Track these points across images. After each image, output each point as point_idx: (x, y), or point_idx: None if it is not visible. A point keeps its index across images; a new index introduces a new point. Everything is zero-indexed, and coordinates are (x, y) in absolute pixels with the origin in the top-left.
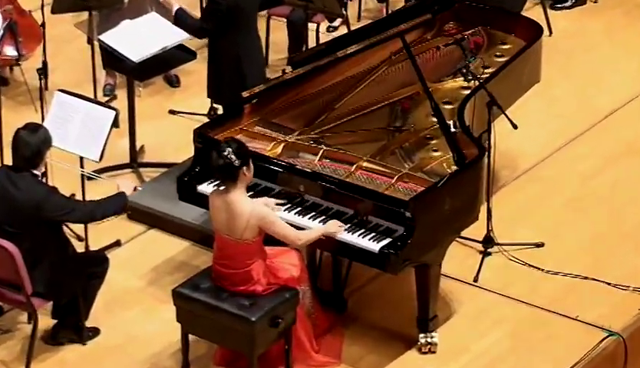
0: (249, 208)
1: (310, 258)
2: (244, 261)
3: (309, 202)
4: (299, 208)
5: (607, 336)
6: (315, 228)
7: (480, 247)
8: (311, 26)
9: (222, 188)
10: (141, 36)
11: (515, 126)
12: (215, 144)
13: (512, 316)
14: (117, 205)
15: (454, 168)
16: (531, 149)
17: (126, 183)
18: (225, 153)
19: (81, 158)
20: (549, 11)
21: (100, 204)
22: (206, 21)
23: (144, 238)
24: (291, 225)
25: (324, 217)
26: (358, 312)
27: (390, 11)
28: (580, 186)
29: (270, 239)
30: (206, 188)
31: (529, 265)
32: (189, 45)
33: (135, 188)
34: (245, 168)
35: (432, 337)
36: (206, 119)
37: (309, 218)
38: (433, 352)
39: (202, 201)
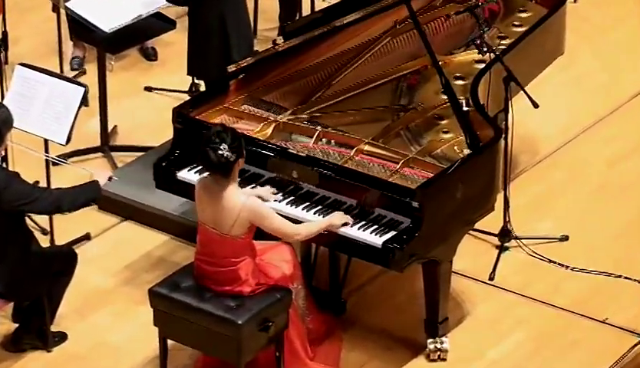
0: (241, 201)
1: (304, 254)
2: (231, 258)
3: (303, 191)
4: (292, 198)
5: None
6: (316, 220)
7: (496, 241)
8: None
9: (210, 176)
10: (113, 3)
11: (535, 105)
12: (198, 127)
13: (532, 318)
14: (87, 195)
15: (467, 152)
16: (553, 131)
17: (100, 172)
18: (221, 152)
19: (46, 141)
20: None
21: (67, 193)
22: None
23: (117, 231)
24: (283, 217)
25: (319, 207)
26: (359, 314)
27: None
28: (608, 172)
29: (259, 232)
30: (186, 174)
31: (552, 261)
32: (167, 13)
33: (110, 178)
34: (240, 160)
35: (442, 343)
36: (186, 97)
37: (303, 209)
38: (444, 359)
39: (182, 189)
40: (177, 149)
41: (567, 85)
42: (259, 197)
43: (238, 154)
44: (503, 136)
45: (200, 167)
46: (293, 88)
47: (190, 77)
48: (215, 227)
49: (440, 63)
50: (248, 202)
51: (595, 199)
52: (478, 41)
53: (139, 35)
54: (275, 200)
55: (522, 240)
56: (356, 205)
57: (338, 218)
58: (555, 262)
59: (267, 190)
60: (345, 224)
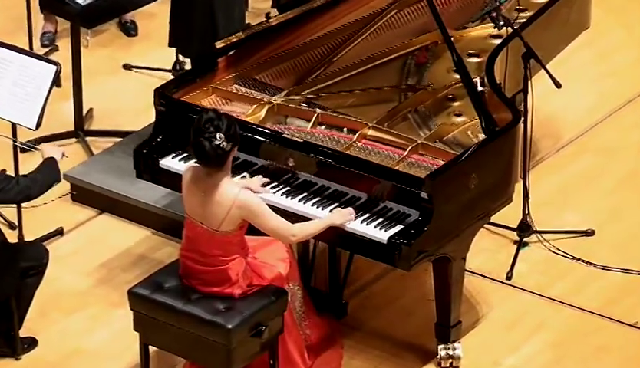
0: (233, 195)
1: (301, 251)
2: (220, 256)
3: (300, 180)
4: (287, 188)
5: None
6: (314, 219)
7: (514, 236)
8: None
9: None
10: None
11: (558, 85)
12: (183, 110)
13: (554, 322)
14: (51, 175)
15: (482, 137)
16: (578, 114)
17: (51, 148)
18: (218, 142)
19: (14, 125)
20: None
21: (35, 179)
22: None
23: (93, 226)
24: (277, 210)
25: (318, 199)
26: (362, 318)
27: None
28: (638, 159)
29: (252, 228)
30: (170, 162)
31: (576, 258)
32: None
33: (63, 154)
34: (235, 148)
35: (454, 349)
36: (170, 76)
37: (300, 201)
38: (456, 367)
39: (165, 178)
40: (160, 135)
41: (593, 62)
42: (248, 188)
43: (233, 142)
44: (522, 119)
45: (186, 154)
46: (289, 66)
47: (174, 54)
48: (203, 221)
49: (451, 38)
50: (240, 195)
51: (625, 189)
52: (494, 14)
53: (117, 7)
54: (268, 190)
55: (543, 235)
56: (359, 196)
57: (338, 215)
58: (579, 259)
59: (257, 181)
60: (351, 217)
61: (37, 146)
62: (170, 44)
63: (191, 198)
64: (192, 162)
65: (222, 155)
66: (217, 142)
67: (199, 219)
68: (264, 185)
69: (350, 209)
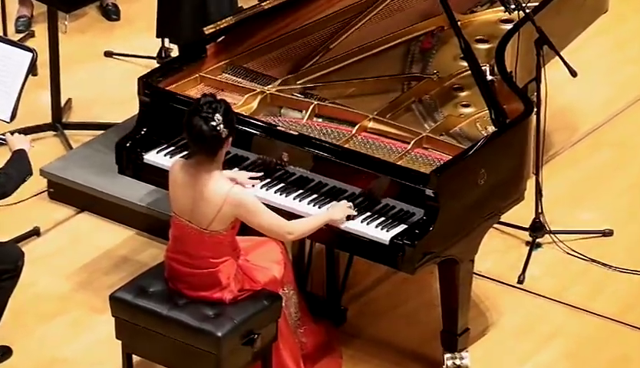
0: (225, 191)
1: (297, 252)
2: (210, 258)
3: (295, 176)
4: (281, 185)
5: None
6: (311, 215)
7: (526, 236)
8: None
9: (189, 159)
10: None
11: (574, 74)
12: (169, 100)
13: (570, 329)
14: (23, 168)
15: (491, 129)
16: (594, 105)
17: (18, 139)
18: (215, 123)
19: None
20: None
21: (9, 175)
22: None
23: (71, 225)
24: (270, 209)
25: (315, 196)
26: (362, 325)
27: None
28: None
29: (244, 227)
30: (155, 157)
31: (593, 261)
32: None
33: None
34: (229, 139)
35: (462, 358)
36: (155, 64)
37: (295, 199)
38: None
39: (150, 175)
40: (144, 127)
41: (611, 50)
42: (231, 180)
43: (230, 129)
44: (535, 110)
45: (172, 148)
46: (283, 53)
47: (160, 40)
48: (192, 220)
49: (459, 23)
50: (232, 191)
51: None
52: None
53: None
54: (260, 187)
55: (557, 235)
56: (359, 193)
57: (338, 210)
58: (596, 261)
59: (242, 175)
60: (349, 217)
61: (2, 137)
62: (158, 35)
63: (178, 194)
64: (179, 156)
65: (217, 138)
66: (214, 123)
67: (188, 218)
68: (252, 179)
69: (349, 203)
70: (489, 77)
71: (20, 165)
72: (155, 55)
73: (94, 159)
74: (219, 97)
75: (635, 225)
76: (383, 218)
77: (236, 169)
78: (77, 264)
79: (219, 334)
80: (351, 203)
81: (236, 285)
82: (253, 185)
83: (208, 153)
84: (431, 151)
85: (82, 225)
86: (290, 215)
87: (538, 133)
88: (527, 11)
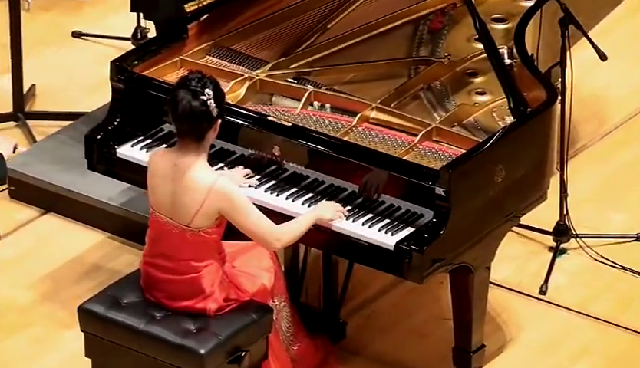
0: (210, 181)
1: (290, 258)
2: (191, 261)
3: (288, 173)
4: (273, 182)
5: None
6: (299, 216)
7: (549, 241)
8: None
9: (170, 147)
10: None
11: (603, 57)
12: (145, 87)
13: (598, 346)
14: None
15: (510, 119)
16: (625, 93)
17: (2, 139)
18: (205, 98)
19: None
20: None
21: None
22: None
23: (35, 229)
24: (260, 209)
25: (310, 196)
26: (363, 340)
27: None
28: None
29: (230, 230)
30: (129, 151)
31: (624, 268)
32: None
33: (15, 147)
34: (218, 122)
35: None
36: (129, 46)
37: (288, 198)
38: None
39: (123, 170)
40: (117, 117)
41: None
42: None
43: (219, 109)
44: (559, 98)
45: (149, 141)
46: (274, 34)
47: (135, 19)
48: (172, 216)
49: None
50: (218, 182)
51: None
52: None
53: None
54: (249, 186)
55: (584, 239)
56: (360, 192)
57: (326, 208)
58: (629, 269)
59: (237, 173)
60: (339, 217)
61: None
62: (132, 9)
63: (158, 187)
64: (159, 148)
65: (207, 115)
66: (205, 98)
67: (167, 214)
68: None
69: (338, 205)
70: (507, 61)
71: None
72: (130, 36)
73: (60, 153)
74: None
75: None
76: (387, 221)
77: (222, 164)
78: (41, 272)
79: (202, 352)
80: (339, 204)
81: (221, 294)
82: (250, 186)
83: (195, 135)
84: (442, 144)
85: (47, 227)
86: (281, 218)
87: (562, 124)
88: None
